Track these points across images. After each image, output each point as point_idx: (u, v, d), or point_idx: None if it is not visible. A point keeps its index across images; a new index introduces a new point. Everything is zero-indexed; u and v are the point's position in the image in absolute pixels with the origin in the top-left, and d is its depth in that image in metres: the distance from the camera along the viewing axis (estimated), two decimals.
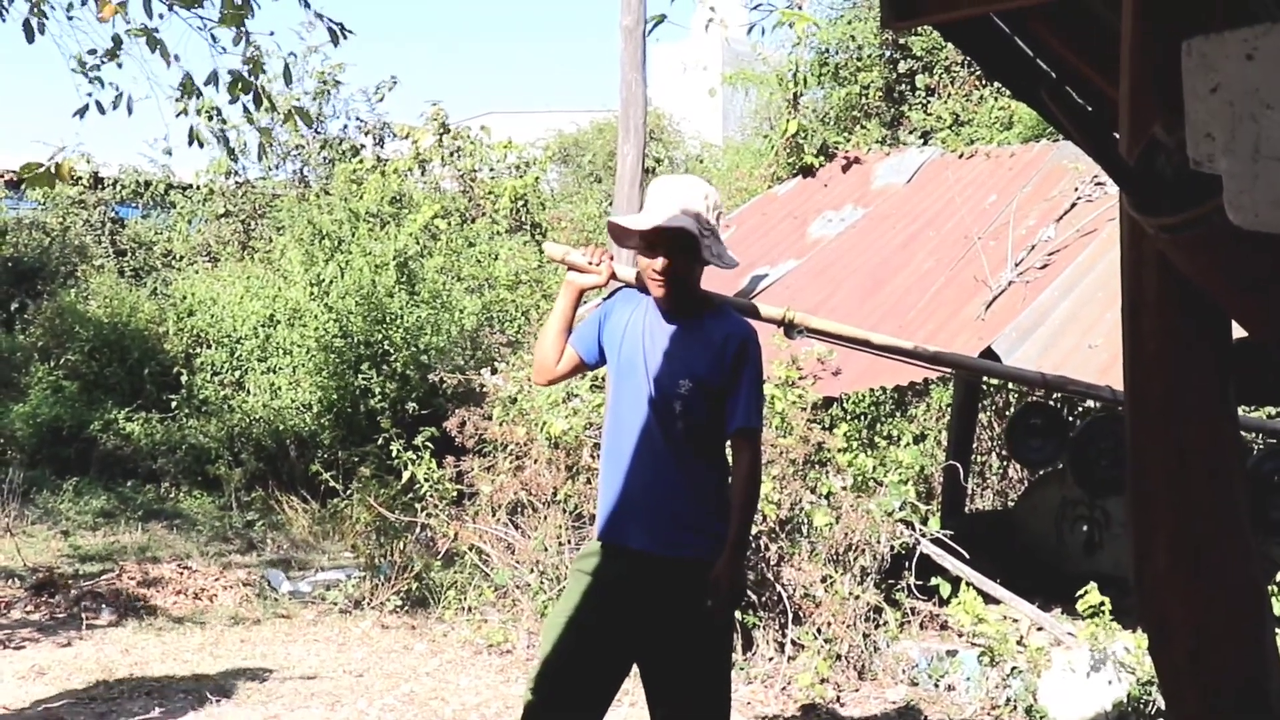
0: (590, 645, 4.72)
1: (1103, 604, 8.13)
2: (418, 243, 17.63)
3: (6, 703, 7.31)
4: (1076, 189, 10.68)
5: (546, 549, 9.30)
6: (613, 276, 4.95)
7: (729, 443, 4.82)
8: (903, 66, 16.36)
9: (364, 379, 15.61)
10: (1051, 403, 10.23)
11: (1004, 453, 14.47)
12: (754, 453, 4.77)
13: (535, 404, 9.91)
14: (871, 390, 13.23)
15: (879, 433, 13.58)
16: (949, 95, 15.93)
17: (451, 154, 20.79)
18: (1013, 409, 14.51)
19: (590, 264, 4.88)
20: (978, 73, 15.78)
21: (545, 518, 9.52)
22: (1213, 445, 3.70)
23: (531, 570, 9.34)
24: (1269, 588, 3.88)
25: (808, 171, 13.09)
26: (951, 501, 11.65)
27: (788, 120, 13.43)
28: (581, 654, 4.72)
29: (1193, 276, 3.48)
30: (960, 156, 12.32)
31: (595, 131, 29.70)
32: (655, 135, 28.23)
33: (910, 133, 15.75)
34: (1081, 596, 8.28)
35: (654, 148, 26.85)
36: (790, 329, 5.14)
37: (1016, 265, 10.02)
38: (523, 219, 20.29)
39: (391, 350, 15.87)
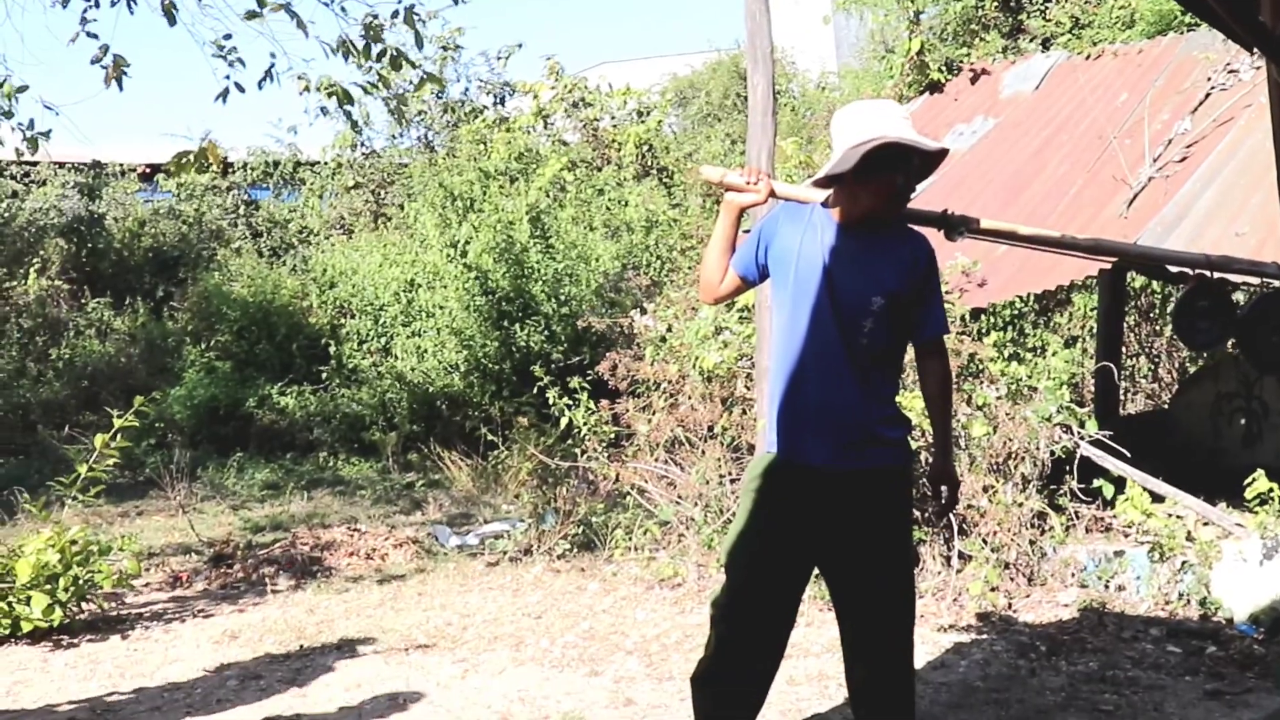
0: (775, 563, 4.83)
1: (1271, 490, 8.10)
2: (548, 196, 17.80)
3: (205, 665, 7.60)
4: (1209, 79, 10.52)
5: (708, 482, 9.43)
6: (772, 194, 5.02)
7: (919, 350, 4.96)
8: None
9: (508, 334, 15.80)
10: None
11: (1152, 355, 14.38)
12: (946, 357, 4.99)
13: (685, 341, 10.02)
14: (1013, 302, 13.17)
15: (1022, 345, 13.52)
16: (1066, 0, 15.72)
17: (574, 105, 20.92)
18: (1157, 310, 14.41)
19: (748, 183, 4.97)
20: None
21: (703, 452, 9.64)
22: None
23: (695, 504, 9.47)
24: None
25: (935, 88, 13.01)
26: (1105, 405, 11.61)
27: (911, 38, 13.34)
28: (768, 572, 4.84)
29: None
30: (1087, 58, 12.17)
31: (709, 72, 29.64)
32: None
33: (1030, 40, 15.57)
34: (1249, 486, 8.26)
35: None
36: (951, 230, 5.16)
37: (1155, 160, 9.93)
38: (649, 164, 20.37)
39: (534, 303, 16.05)
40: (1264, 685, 6.78)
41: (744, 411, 9.54)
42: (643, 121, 20.97)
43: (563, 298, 16.17)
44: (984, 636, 7.65)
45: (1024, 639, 7.57)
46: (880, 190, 4.69)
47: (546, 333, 15.86)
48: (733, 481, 9.32)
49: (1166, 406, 13.04)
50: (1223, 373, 11.99)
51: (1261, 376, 11.51)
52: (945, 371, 4.99)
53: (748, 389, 9.52)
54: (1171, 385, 14.23)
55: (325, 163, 22.77)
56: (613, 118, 21.29)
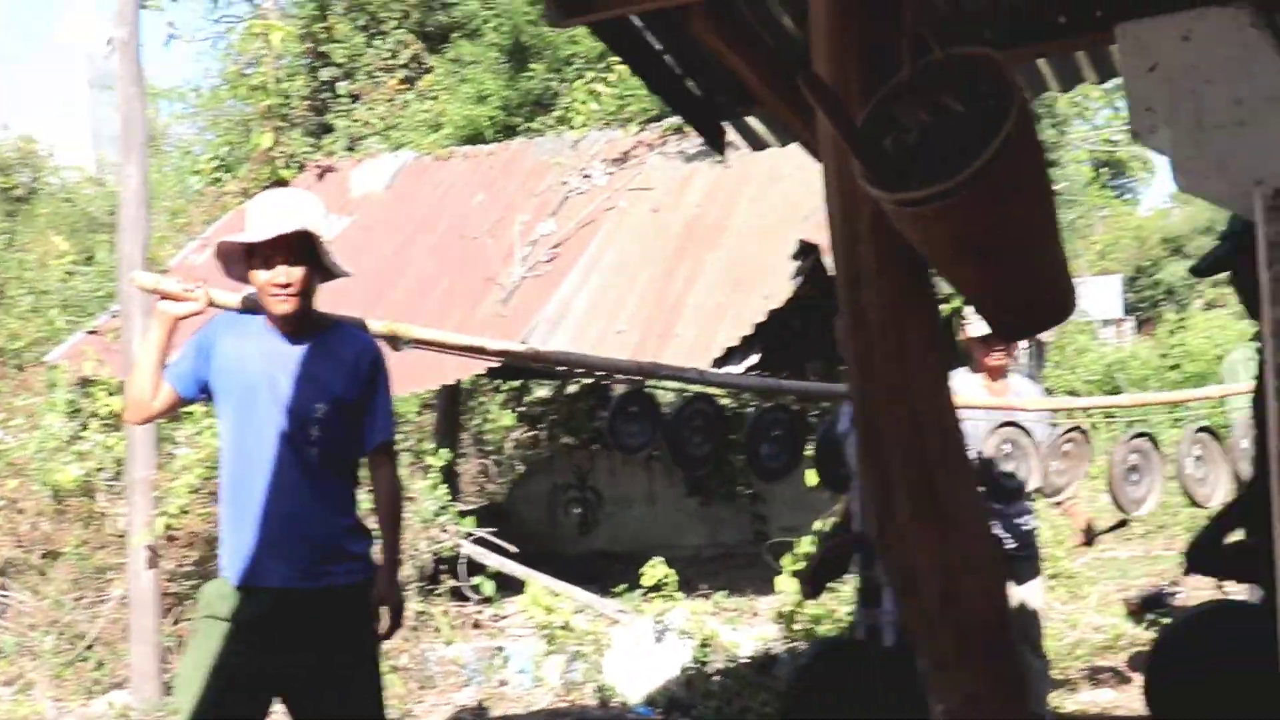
0: (236, 698, 4.51)
1: (666, 577, 8.44)
2: None
3: None
4: (565, 183, 10.94)
5: (62, 604, 8.69)
6: (211, 303, 4.72)
7: (369, 459, 4.73)
8: (325, 74, 16.19)
9: None
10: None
11: (483, 451, 14.77)
12: (395, 465, 4.75)
13: (27, 453, 9.25)
14: None
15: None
16: (373, 101, 15.91)
17: None
18: (475, 408, 14.80)
19: (185, 291, 4.64)
20: (399, 77, 15.90)
21: (43, 573, 8.89)
22: (939, 404, 3.96)
23: (48, 632, 8.69)
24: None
25: (281, 185, 12.79)
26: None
27: (261, 133, 13.00)
28: (232, 702, 4.50)
29: (923, 247, 3.71)
30: (436, 159, 12.35)
31: None
32: (26, 161, 26.93)
33: (334, 141, 15.57)
34: (644, 574, 8.58)
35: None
36: (397, 342, 5.14)
37: (524, 260, 10.16)
38: None
39: None
40: None
41: (99, 529, 8.90)
42: None
43: None
44: None
45: None
46: (262, 287, 4.48)
47: None
48: (88, 605, 8.68)
49: (503, 499, 13.40)
50: (557, 465, 12.48)
51: (595, 468, 12.10)
52: (393, 483, 4.77)
53: (110, 503, 8.89)
54: (503, 480, 14.63)
55: None
56: None
